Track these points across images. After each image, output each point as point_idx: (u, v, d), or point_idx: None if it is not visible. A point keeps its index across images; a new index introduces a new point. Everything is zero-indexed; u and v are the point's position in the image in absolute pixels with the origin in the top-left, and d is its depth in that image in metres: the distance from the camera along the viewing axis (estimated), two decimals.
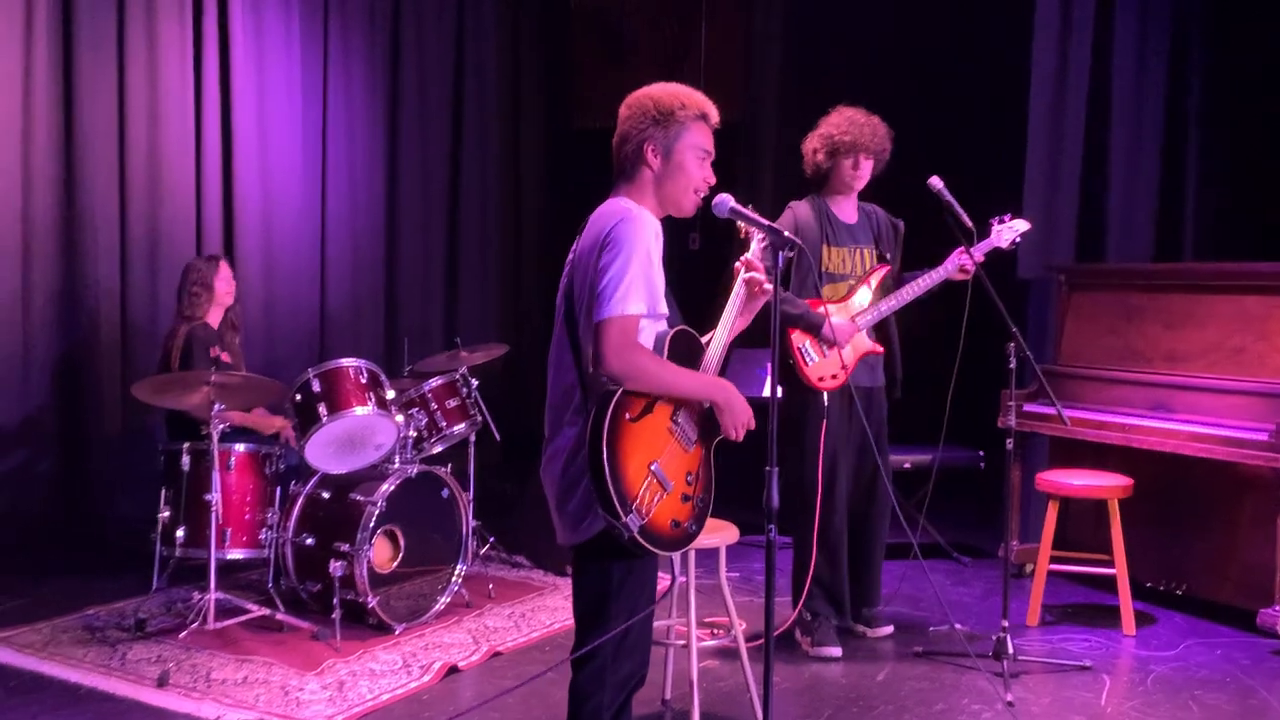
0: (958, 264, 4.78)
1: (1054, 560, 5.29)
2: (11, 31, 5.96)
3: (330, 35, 7.41)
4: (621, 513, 2.69)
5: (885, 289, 4.91)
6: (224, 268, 5.60)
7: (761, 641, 4.76)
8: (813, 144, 4.86)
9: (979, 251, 4.78)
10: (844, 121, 4.81)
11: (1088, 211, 6.44)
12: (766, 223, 3.05)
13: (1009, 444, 4.69)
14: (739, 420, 2.91)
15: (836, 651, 4.80)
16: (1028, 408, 5.78)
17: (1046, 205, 6.37)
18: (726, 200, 3.03)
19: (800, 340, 4.78)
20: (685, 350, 2.94)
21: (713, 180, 3.02)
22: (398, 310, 7.91)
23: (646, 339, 2.86)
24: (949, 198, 4.60)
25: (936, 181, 4.63)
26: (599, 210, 2.90)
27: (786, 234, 3.00)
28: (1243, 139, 6.59)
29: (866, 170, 4.85)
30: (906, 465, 6.32)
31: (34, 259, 6.13)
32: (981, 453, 6.50)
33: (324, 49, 7.38)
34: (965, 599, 5.72)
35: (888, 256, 4.97)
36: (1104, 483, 5.19)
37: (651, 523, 2.75)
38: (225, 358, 5.44)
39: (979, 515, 6.85)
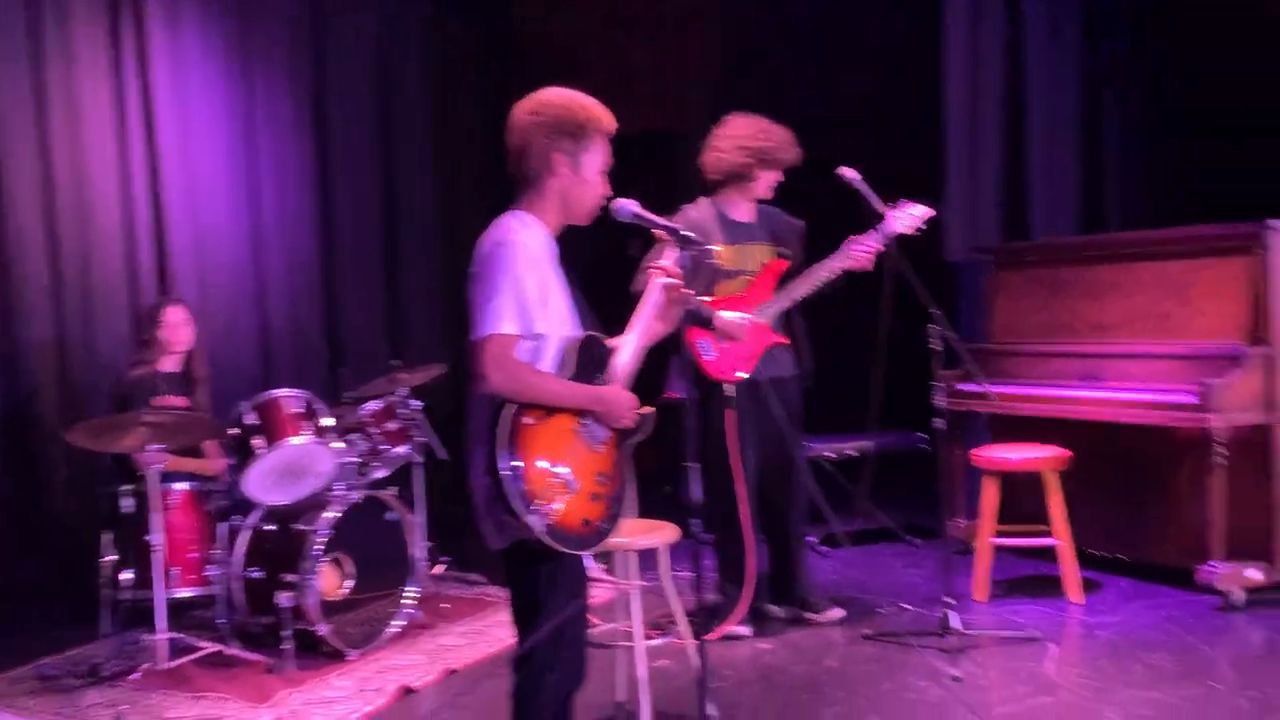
0: (849, 254, 4.82)
1: (999, 534, 5.37)
2: None
3: (253, 71, 7.38)
4: (522, 513, 2.75)
5: (784, 284, 4.98)
6: (170, 312, 5.50)
7: (713, 635, 4.85)
8: (733, 154, 4.91)
9: (875, 239, 4.82)
10: (764, 134, 4.89)
11: (1010, 190, 6.55)
12: (668, 224, 3.10)
13: (939, 424, 4.76)
14: (622, 416, 2.98)
15: (745, 630, 4.92)
16: (962, 387, 5.85)
17: (969, 187, 6.48)
18: (627, 204, 3.07)
19: (696, 336, 4.85)
20: (590, 355, 2.99)
21: (609, 193, 3.06)
22: (340, 336, 7.89)
23: (548, 353, 2.92)
24: (860, 186, 4.66)
25: (847, 171, 4.70)
26: (488, 229, 2.95)
27: (689, 235, 3.05)
28: (1161, 102, 6.71)
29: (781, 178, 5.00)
30: (850, 452, 6.39)
31: None
32: (923, 434, 6.57)
33: (248, 85, 7.36)
34: (917, 579, 5.80)
35: (786, 254, 5.04)
36: (1039, 455, 5.26)
37: (560, 522, 2.81)
38: (180, 403, 5.40)
39: (929, 496, 6.92)
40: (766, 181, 4.96)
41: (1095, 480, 5.62)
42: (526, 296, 2.84)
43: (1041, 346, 5.80)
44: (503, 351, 2.81)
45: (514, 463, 2.77)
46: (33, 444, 6.33)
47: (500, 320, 2.81)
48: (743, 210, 5.03)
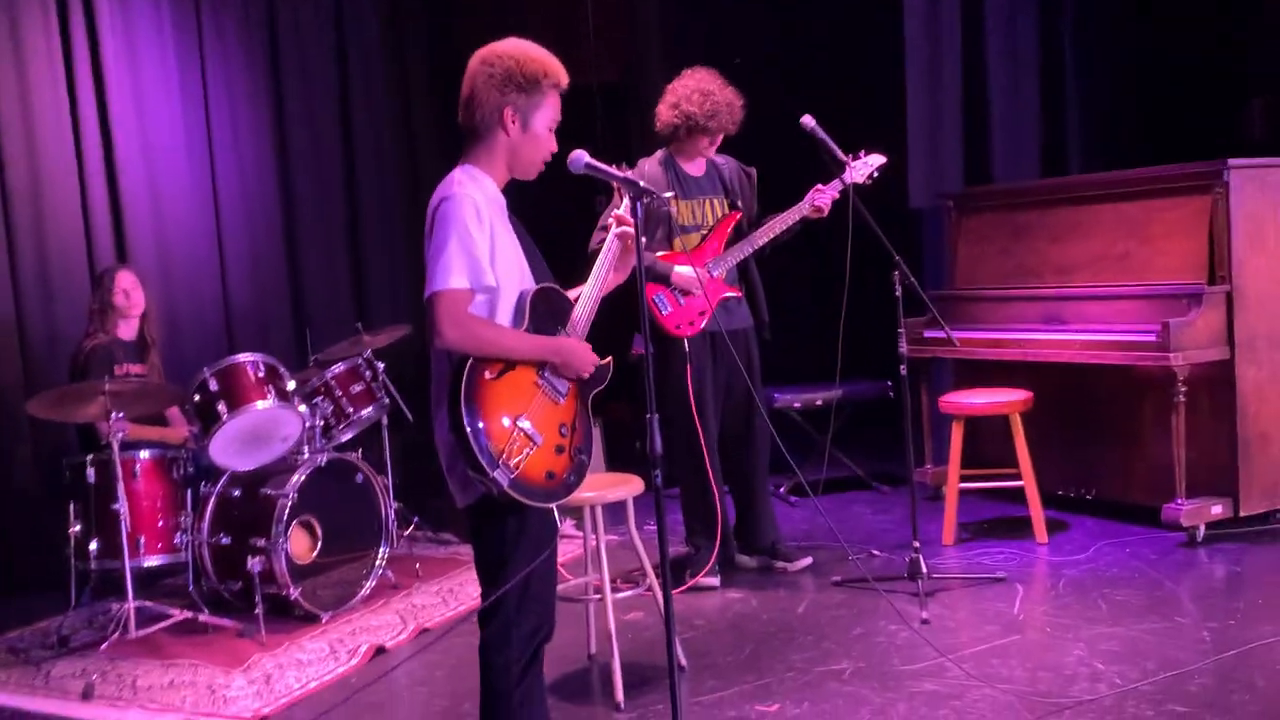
0: (810, 202, 4.85)
1: (965, 478, 5.41)
2: None
3: (205, 33, 7.26)
4: (487, 469, 2.74)
5: (739, 235, 4.99)
6: (121, 278, 5.47)
7: (682, 588, 4.88)
8: (669, 116, 4.92)
9: (833, 189, 4.86)
10: (702, 98, 4.87)
11: (972, 136, 6.55)
12: (621, 175, 3.08)
13: (903, 370, 4.78)
14: (580, 368, 2.97)
15: (714, 581, 4.95)
16: (927, 334, 5.87)
17: (931, 135, 6.47)
18: (582, 156, 3.04)
19: (653, 292, 4.86)
20: (548, 308, 2.98)
21: (555, 149, 3.03)
22: (303, 300, 7.81)
23: (503, 306, 2.90)
24: (822, 135, 4.67)
25: (809, 120, 4.70)
26: (438, 186, 2.92)
27: (642, 184, 3.04)
28: (1120, 42, 6.71)
29: (719, 141, 4.99)
30: (818, 402, 6.42)
31: None
32: (889, 382, 6.59)
33: (200, 48, 7.23)
34: (887, 525, 5.84)
35: (739, 204, 5.04)
36: (1004, 399, 5.29)
37: (523, 476, 2.80)
38: (139, 370, 5.38)
39: (896, 444, 6.96)
40: (702, 147, 4.97)
41: (1060, 422, 5.67)
42: (475, 250, 2.82)
43: (1004, 290, 5.82)
44: (455, 306, 2.79)
45: (475, 419, 2.76)
46: None
47: (450, 275, 2.79)
48: (696, 164, 5.04)
